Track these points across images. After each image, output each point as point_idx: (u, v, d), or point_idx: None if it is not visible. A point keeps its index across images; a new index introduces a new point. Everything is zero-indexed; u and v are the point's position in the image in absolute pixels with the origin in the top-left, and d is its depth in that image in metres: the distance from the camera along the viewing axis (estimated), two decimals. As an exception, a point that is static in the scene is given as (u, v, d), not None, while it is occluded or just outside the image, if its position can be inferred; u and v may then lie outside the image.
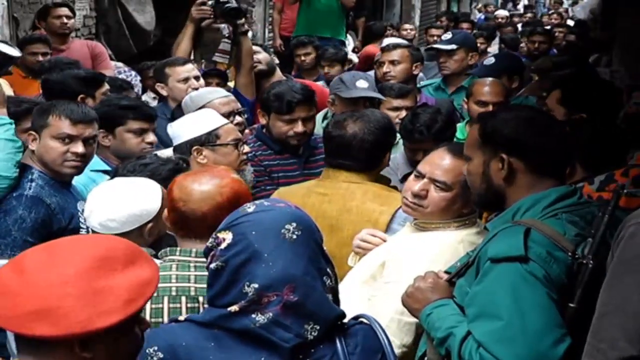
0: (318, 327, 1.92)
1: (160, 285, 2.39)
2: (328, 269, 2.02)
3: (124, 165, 3.41)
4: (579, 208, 2.39)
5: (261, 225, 1.95)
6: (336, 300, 2.03)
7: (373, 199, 3.28)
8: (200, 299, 2.44)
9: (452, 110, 5.43)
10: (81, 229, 3.44)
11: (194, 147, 3.77)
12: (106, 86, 4.56)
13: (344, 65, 7.08)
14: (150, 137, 3.98)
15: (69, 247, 1.79)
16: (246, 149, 3.90)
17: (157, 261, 2.75)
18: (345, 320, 2.04)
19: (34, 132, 3.49)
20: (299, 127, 4.16)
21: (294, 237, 1.95)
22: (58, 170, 3.49)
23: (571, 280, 2.23)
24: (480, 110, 4.82)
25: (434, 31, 10.28)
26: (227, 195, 2.50)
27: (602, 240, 2.23)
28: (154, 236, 2.94)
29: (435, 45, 6.42)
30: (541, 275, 2.20)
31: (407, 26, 10.44)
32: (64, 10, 7.23)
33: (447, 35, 6.53)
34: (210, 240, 2.00)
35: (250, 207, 2.01)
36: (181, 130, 3.87)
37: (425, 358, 2.39)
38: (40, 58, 6.42)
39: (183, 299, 2.45)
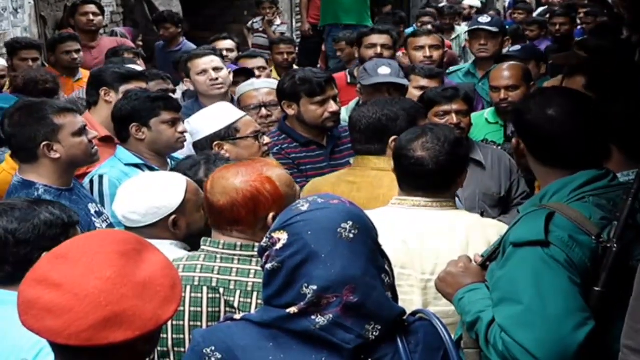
0: (379, 327, 1.89)
1: (184, 274, 2.42)
2: (386, 266, 2.00)
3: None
4: (608, 191, 2.36)
5: (317, 225, 1.92)
6: (395, 297, 2.01)
7: (400, 187, 3.26)
8: (221, 290, 2.46)
9: (473, 93, 5.42)
10: None
11: (215, 142, 3.76)
12: (137, 83, 4.45)
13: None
14: (181, 127, 3.94)
15: (84, 249, 1.75)
16: (266, 140, 3.89)
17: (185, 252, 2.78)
18: (405, 317, 2.01)
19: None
20: (333, 106, 4.13)
21: (351, 236, 1.92)
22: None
23: (595, 264, 2.21)
24: (496, 96, 4.84)
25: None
26: (243, 194, 2.48)
27: (627, 223, 2.21)
28: (183, 230, 2.94)
29: (483, 27, 6.10)
30: (562, 260, 2.19)
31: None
32: (91, 8, 7.33)
33: (486, 18, 6.36)
34: (265, 240, 1.98)
35: (304, 205, 1.97)
36: (200, 126, 3.87)
37: (462, 342, 2.38)
38: (75, 55, 6.50)
39: (204, 289, 2.47)
